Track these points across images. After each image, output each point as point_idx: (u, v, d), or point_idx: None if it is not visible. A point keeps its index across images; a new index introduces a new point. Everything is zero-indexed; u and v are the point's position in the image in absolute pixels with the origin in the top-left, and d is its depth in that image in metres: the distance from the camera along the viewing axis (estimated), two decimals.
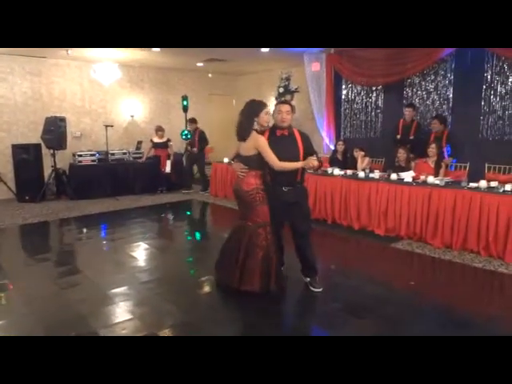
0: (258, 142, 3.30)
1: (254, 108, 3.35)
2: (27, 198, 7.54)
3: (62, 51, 7.43)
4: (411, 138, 6.36)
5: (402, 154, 5.81)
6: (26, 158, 7.55)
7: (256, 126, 3.36)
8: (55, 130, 7.46)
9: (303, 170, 3.52)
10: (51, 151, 7.68)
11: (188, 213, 7.50)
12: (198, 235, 5.93)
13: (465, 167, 6.04)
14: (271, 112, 3.40)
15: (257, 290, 3.38)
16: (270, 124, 3.42)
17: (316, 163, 3.29)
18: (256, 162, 3.35)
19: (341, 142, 6.94)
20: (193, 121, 8.72)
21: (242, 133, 3.37)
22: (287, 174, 3.41)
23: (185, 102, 9.65)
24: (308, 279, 3.72)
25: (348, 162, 6.66)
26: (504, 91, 6.01)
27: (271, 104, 9.31)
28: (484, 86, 6.17)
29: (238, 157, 3.55)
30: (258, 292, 3.38)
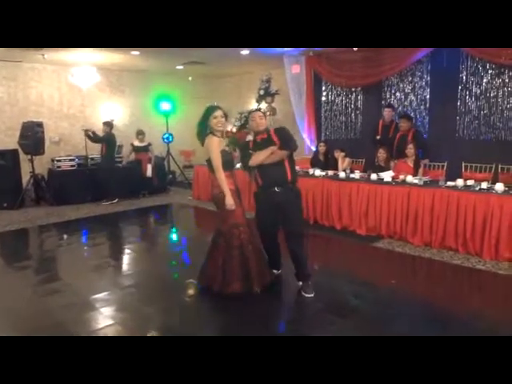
0: (208, 142, 3.37)
1: (204, 113, 3.45)
2: (5, 205, 7.36)
3: (37, 55, 7.30)
4: (390, 138, 6.45)
5: (382, 154, 5.89)
6: (2, 164, 7.37)
7: (212, 130, 3.42)
8: (32, 136, 7.32)
9: (293, 170, 3.59)
10: (29, 157, 7.54)
11: (170, 216, 7.45)
12: (180, 239, 5.90)
13: (442, 166, 6.16)
14: (221, 114, 3.43)
15: (238, 290, 3.39)
16: (222, 127, 3.47)
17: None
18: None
19: (322, 144, 6.97)
20: (107, 124, 7.95)
21: (198, 138, 3.47)
22: (277, 174, 3.50)
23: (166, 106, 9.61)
24: (301, 283, 3.67)
25: (329, 162, 6.71)
26: (479, 92, 6.16)
27: (253, 106, 9.36)
28: (459, 87, 6.32)
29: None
30: (240, 292, 3.38)
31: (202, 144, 3.47)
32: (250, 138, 3.74)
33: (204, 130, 3.44)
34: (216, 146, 3.36)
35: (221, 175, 3.36)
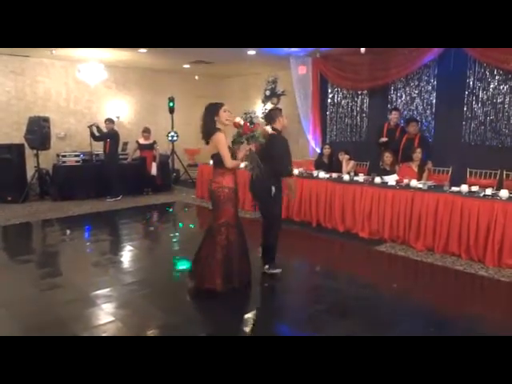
0: (217, 138, 3.40)
1: (211, 109, 3.49)
2: (9, 198, 7.40)
3: (45, 50, 7.34)
4: (396, 141, 6.42)
5: (388, 157, 5.85)
6: (8, 157, 7.40)
7: (218, 126, 3.46)
8: (38, 130, 7.36)
9: None
10: (34, 151, 7.58)
11: (173, 215, 7.46)
12: (182, 237, 5.90)
13: (447, 171, 6.14)
14: (228, 109, 3.52)
15: (217, 288, 3.43)
16: (228, 122, 3.51)
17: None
18: (219, 159, 3.45)
19: (327, 146, 6.97)
20: (110, 121, 7.96)
21: (206, 134, 3.48)
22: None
23: (171, 104, 9.63)
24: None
25: (333, 165, 6.70)
26: (485, 97, 6.13)
27: (258, 106, 9.37)
28: (466, 92, 6.29)
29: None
30: (218, 291, 3.42)
31: (207, 142, 3.49)
32: (269, 129, 3.88)
33: (213, 125, 3.45)
34: (225, 141, 3.42)
35: (231, 161, 3.41)
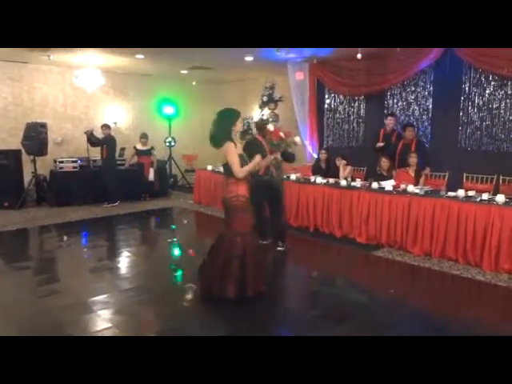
0: (226, 148, 3.39)
1: (229, 116, 3.45)
2: (6, 204, 7.38)
3: (43, 56, 7.34)
4: (392, 146, 6.44)
5: (385, 162, 5.86)
6: (5, 163, 7.38)
7: (233, 135, 3.46)
8: (36, 136, 7.34)
9: None
10: (31, 157, 7.56)
11: (170, 220, 7.45)
12: (179, 243, 5.89)
13: (444, 176, 6.16)
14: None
15: (231, 297, 3.37)
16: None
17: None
18: (230, 169, 3.42)
19: (323, 151, 6.97)
20: (106, 126, 7.99)
21: (217, 141, 3.44)
22: None
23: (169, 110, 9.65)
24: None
25: (330, 170, 6.71)
26: (481, 102, 6.17)
27: (256, 112, 9.38)
28: (462, 98, 6.33)
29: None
30: (233, 299, 3.36)
31: (216, 147, 3.47)
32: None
33: (228, 134, 3.42)
34: (234, 151, 3.39)
35: (240, 170, 3.36)
